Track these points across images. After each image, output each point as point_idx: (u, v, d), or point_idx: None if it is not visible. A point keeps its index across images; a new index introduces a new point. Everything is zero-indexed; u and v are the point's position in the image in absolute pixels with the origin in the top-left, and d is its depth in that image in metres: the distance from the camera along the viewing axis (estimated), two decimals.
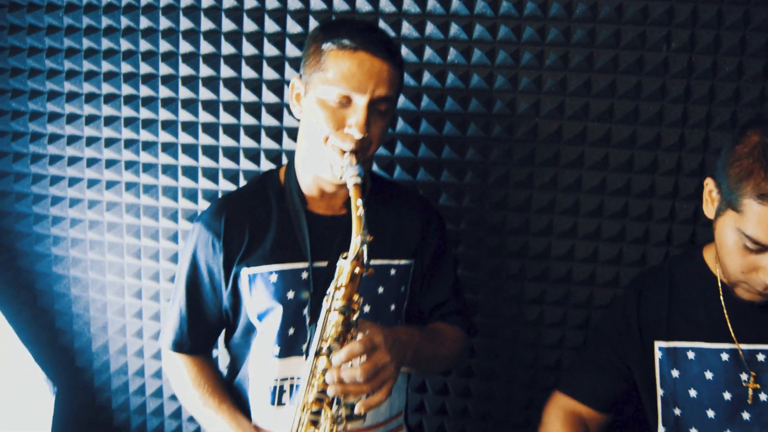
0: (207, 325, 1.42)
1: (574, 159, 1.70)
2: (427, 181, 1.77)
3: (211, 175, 1.83)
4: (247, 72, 1.78)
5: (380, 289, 1.39)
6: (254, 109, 1.79)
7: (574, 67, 1.66)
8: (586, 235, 1.73)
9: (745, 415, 1.25)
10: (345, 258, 1.17)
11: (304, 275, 1.34)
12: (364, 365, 1.11)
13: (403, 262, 1.43)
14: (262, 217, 1.37)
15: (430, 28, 1.70)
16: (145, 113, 1.83)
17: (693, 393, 1.30)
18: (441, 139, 1.74)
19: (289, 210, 1.38)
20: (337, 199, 1.41)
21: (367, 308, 1.38)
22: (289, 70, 1.76)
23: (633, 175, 1.69)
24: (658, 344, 1.34)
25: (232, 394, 1.43)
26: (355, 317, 1.16)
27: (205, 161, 1.83)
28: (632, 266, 1.73)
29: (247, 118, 1.79)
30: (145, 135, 1.84)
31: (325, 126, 1.25)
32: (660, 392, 1.34)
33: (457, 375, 1.85)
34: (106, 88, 1.84)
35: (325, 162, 1.29)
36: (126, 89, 1.83)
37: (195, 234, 1.38)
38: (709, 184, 1.26)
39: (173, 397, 1.94)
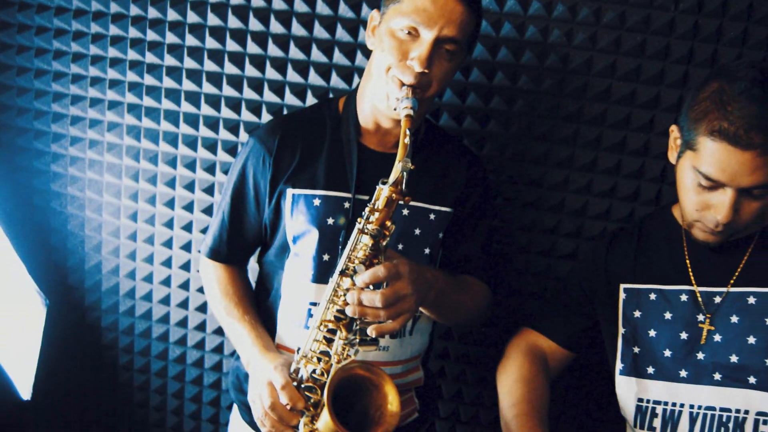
0: (246, 236, 1.46)
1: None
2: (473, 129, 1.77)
3: (213, 102, 1.84)
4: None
5: (417, 231, 1.41)
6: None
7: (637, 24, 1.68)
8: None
9: (699, 355, 1.31)
10: (384, 183, 1.20)
11: (346, 205, 1.36)
12: (384, 291, 1.15)
13: (443, 209, 1.44)
14: (315, 142, 1.39)
15: None
16: (151, 35, 1.84)
17: (652, 333, 1.36)
18: (491, 89, 1.75)
19: (342, 139, 1.40)
20: (390, 137, 1.42)
21: (400, 246, 1.39)
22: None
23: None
24: (623, 286, 1.40)
25: (260, 311, 1.46)
26: (384, 243, 1.19)
27: (208, 87, 1.84)
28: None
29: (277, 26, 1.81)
30: (150, 57, 1.85)
31: (389, 55, 1.27)
32: (621, 330, 1.40)
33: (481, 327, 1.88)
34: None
35: (383, 92, 1.30)
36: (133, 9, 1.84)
37: (248, 147, 1.42)
38: (674, 131, 1.30)
39: (161, 320, 1.99)
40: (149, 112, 1.88)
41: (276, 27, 1.78)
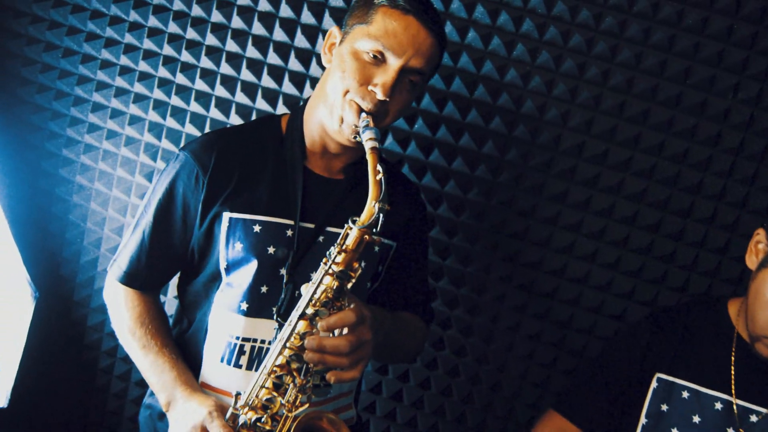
0: (167, 261, 1.32)
1: (614, 185, 1.67)
2: (440, 164, 1.73)
3: (245, 113, 1.77)
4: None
5: (361, 264, 1.31)
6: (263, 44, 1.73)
7: (613, 85, 1.63)
8: (605, 264, 1.70)
9: None
10: (354, 221, 1.11)
11: (289, 233, 1.26)
12: (349, 337, 1.08)
13: (386, 241, 1.38)
14: (255, 162, 1.28)
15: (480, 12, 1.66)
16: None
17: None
18: (463, 126, 1.70)
19: (285, 161, 1.30)
20: (337, 162, 1.35)
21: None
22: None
23: (666, 215, 1.67)
24: (658, 375, 1.33)
25: (180, 345, 1.33)
26: (350, 285, 1.12)
27: (240, 96, 1.76)
28: (642, 305, 1.70)
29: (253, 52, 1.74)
30: (186, 56, 1.77)
31: (349, 77, 1.19)
32: (643, 421, 1.33)
33: (422, 365, 1.82)
34: None
35: (335, 115, 1.22)
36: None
37: (179, 162, 1.27)
38: (759, 234, 1.24)
39: None
40: (175, 112, 1.80)
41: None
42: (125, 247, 1.31)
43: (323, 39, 1.31)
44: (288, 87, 1.75)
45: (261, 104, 1.76)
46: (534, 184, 1.70)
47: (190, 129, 1.79)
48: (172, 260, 1.32)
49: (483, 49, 1.67)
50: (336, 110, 1.22)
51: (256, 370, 1.18)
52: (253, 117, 1.77)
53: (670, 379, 1.32)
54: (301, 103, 1.37)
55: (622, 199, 1.67)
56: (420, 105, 1.71)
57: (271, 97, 1.75)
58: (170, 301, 1.86)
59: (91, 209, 1.87)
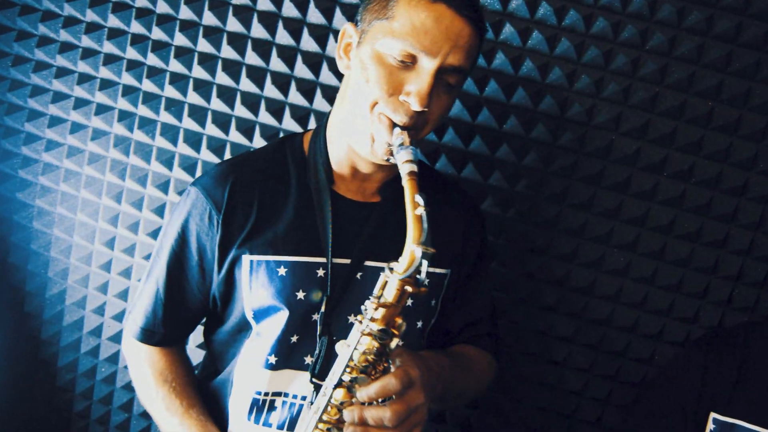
0: (187, 312, 1.16)
1: (647, 190, 1.46)
2: (474, 179, 1.51)
3: (223, 122, 1.55)
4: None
5: (408, 301, 1.13)
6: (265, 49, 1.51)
7: (670, 83, 1.42)
8: (639, 278, 1.50)
9: None
10: (392, 269, 0.92)
11: (320, 273, 1.08)
12: (395, 406, 0.88)
13: (438, 270, 1.18)
14: (276, 192, 1.10)
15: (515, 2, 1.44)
16: (157, 33, 1.54)
17: None
18: (500, 134, 1.49)
19: (310, 187, 1.11)
20: (371, 183, 1.15)
21: None
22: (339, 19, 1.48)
23: (707, 220, 1.46)
24: (714, 415, 1.16)
25: (206, 397, 1.17)
26: (393, 344, 0.92)
27: (217, 104, 1.54)
28: (682, 322, 1.51)
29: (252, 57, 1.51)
30: (153, 59, 1.55)
31: (376, 87, 0.99)
32: None
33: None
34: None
35: (365, 132, 1.03)
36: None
37: (190, 199, 1.10)
38: None
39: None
40: (144, 124, 1.58)
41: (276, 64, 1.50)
42: (139, 299, 1.16)
43: (335, 40, 1.09)
44: (295, 96, 1.52)
45: (264, 117, 1.54)
46: (585, 199, 1.50)
47: (161, 142, 1.57)
48: (192, 311, 1.15)
49: (521, 46, 1.45)
50: (364, 127, 1.02)
51: (289, 429, 1.03)
52: (256, 133, 1.54)
53: (729, 420, 1.15)
54: (325, 117, 1.17)
55: (656, 204, 1.47)
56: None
57: (275, 108, 1.54)
58: None
59: (54, 236, 1.65)
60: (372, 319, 0.93)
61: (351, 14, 1.47)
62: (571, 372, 1.56)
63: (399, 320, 0.94)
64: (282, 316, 1.06)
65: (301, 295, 1.07)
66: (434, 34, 0.97)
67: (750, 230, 1.46)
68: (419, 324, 1.18)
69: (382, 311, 0.93)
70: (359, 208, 1.13)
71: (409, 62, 0.99)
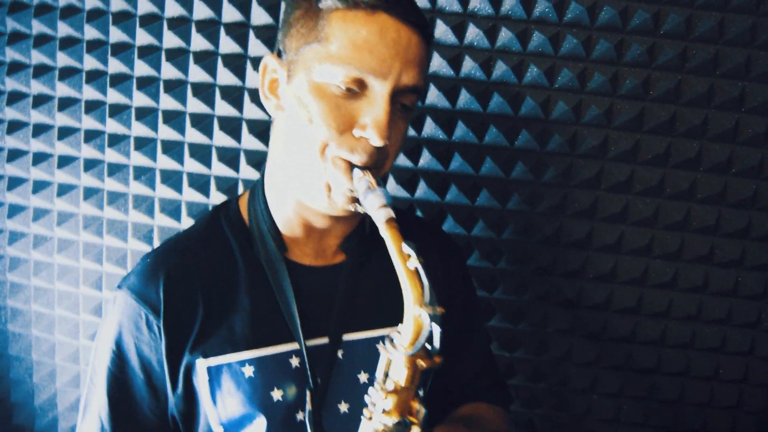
0: None
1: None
2: (460, 203, 1.35)
3: (200, 185, 1.38)
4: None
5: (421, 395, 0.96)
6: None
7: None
8: (659, 284, 1.34)
9: None
10: (394, 344, 0.77)
11: (294, 362, 0.90)
12: None
13: None
14: (221, 277, 0.92)
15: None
16: (112, 96, 1.37)
17: None
18: (480, 149, 1.32)
19: (261, 262, 0.93)
20: (330, 240, 0.98)
21: None
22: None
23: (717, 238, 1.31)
24: None
25: None
26: None
27: (191, 164, 1.37)
28: (741, 328, 1.34)
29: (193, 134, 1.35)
30: (113, 125, 1.38)
31: (324, 126, 0.83)
32: None
33: None
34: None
35: (318, 183, 0.86)
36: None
37: (117, 307, 0.91)
38: None
39: None
40: (114, 199, 1.41)
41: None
42: None
43: (256, 72, 0.93)
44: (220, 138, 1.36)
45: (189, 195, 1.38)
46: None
47: (136, 216, 1.40)
48: None
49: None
50: (316, 176, 0.85)
51: None
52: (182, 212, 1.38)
53: None
54: (260, 177, 0.99)
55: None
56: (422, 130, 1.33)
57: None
58: None
59: (34, 337, 1.48)
60: (384, 412, 0.77)
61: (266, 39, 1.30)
62: (601, 398, 1.40)
63: (416, 404, 0.79)
64: (260, 425, 0.88)
65: (277, 395, 0.89)
66: (380, 50, 0.81)
67: None
68: (420, 393, 0.98)
69: (393, 398, 0.77)
70: (323, 273, 0.96)
71: (357, 89, 0.83)
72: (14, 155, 1.41)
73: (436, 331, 0.72)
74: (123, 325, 0.90)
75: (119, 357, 0.90)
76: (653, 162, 1.30)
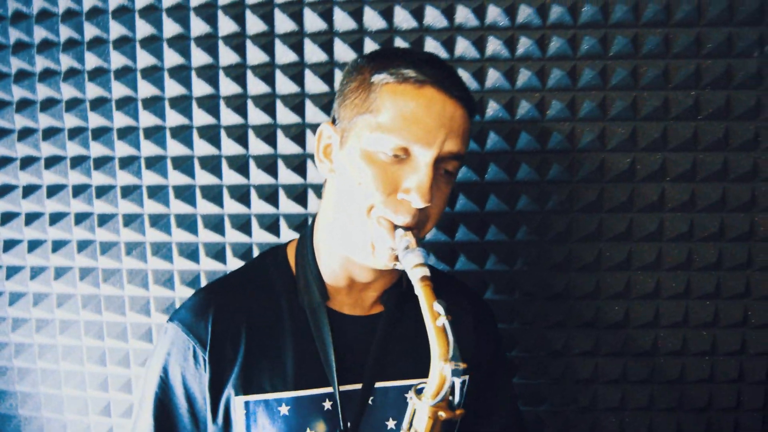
0: None
1: (653, 231, 1.35)
2: (468, 240, 1.39)
3: (190, 252, 1.43)
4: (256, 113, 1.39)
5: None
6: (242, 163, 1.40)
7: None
8: (673, 296, 1.37)
9: None
10: (420, 395, 0.82)
11: (327, 404, 0.96)
12: None
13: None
14: (265, 319, 0.99)
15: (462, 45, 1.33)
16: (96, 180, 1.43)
17: None
18: (484, 186, 1.37)
19: (303, 308, 1.00)
20: (370, 293, 1.05)
21: None
22: (311, 110, 1.37)
23: (724, 244, 1.34)
24: None
25: None
26: None
27: (180, 235, 1.42)
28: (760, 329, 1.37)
29: (231, 176, 1.40)
30: (101, 207, 1.43)
31: (372, 189, 0.90)
32: None
33: None
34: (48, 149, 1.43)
35: (364, 241, 0.93)
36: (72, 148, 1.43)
37: (168, 338, 0.99)
38: None
39: None
40: (109, 275, 1.45)
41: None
42: None
43: (315, 138, 1.00)
44: (288, 205, 1.41)
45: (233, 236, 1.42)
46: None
47: (131, 290, 1.44)
48: None
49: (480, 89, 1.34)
50: (363, 234, 0.92)
51: None
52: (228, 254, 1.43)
53: None
54: (309, 226, 1.07)
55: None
56: None
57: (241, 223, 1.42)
58: None
59: (45, 419, 1.51)
60: None
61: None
62: (658, 414, 1.41)
63: None
64: None
65: None
66: (426, 122, 0.88)
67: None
68: None
69: None
70: (361, 323, 1.03)
71: (403, 155, 0.90)
72: (10, 245, 1.46)
73: (458, 384, 0.79)
74: (171, 354, 0.97)
75: (165, 384, 0.98)
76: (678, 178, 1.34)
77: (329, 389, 0.96)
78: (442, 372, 0.79)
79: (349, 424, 0.96)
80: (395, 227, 0.91)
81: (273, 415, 0.95)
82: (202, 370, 0.96)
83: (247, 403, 0.95)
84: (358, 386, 0.98)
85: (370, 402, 0.99)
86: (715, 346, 1.37)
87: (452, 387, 0.80)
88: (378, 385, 1.00)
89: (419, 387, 0.84)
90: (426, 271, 0.85)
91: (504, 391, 1.17)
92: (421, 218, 0.92)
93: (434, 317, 0.81)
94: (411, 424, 0.84)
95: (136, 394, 1.47)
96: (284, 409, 0.96)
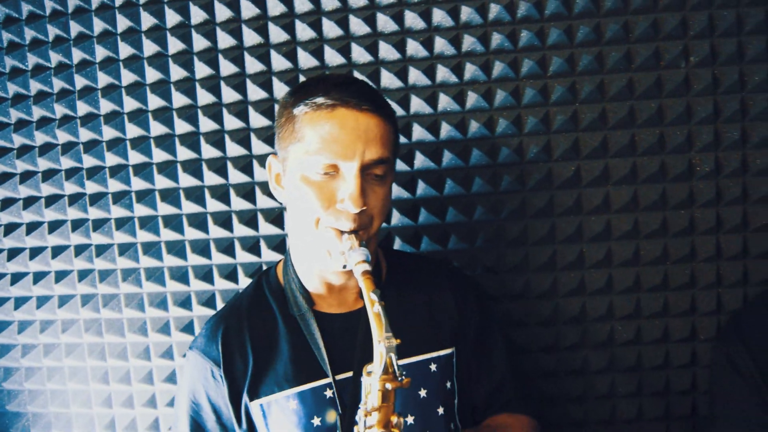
0: None
1: (600, 204, 1.47)
2: (432, 250, 1.51)
3: (180, 274, 1.56)
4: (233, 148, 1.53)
5: (422, 393, 1.14)
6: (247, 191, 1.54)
7: (584, 98, 1.45)
8: (624, 290, 1.48)
9: None
10: (370, 373, 0.94)
11: (329, 393, 1.10)
12: None
13: (443, 352, 1.18)
14: (265, 331, 1.16)
15: (414, 74, 1.47)
16: (95, 212, 1.57)
17: None
18: (442, 200, 1.50)
19: (294, 316, 1.15)
20: (348, 292, 1.19)
21: (410, 419, 1.12)
22: (256, 143, 1.51)
23: (668, 239, 1.47)
24: None
25: None
26: None
27: (171, 260, 1.56)
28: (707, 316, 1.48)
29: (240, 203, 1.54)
30: (98, 238, 1.57)
31: (315, 205, 1.03)
32: None
33: None
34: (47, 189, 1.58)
35: (320, 249, 1.07)
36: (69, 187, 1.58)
37: (190, 365, 1.17)
38: None
39: None
40: (107, 301, 1.58)
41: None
42: None
43: (266, 171, 1.16)
44: (267, 228, 1.55)
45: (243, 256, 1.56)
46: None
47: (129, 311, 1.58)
48: None
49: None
50: (318, 245, 1.06)
51: None
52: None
53: None
54: (287, 248, 1.24)
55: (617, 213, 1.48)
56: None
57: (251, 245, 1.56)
58: None
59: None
60: (367, 427, 0.95)
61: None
62: (620, 400, 1.51)
63: (394, 418, 0.95)
64: None
65: (317, 421, 1.10)
66: (343, 139, 1.01)
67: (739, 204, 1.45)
68: (440, 411, 1.16)
69: (375, 416, 0.94)
70: (346, 319, 1.17)
71: (332, 172, 1.03)
72: (16, 278, 1.61)
73: (394, 358, 0.91)
74: (194, 377, 1.15)
75: (194, 402, 1.16)
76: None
77: (327, 380, 1.10)
78: (380, 350, 0.91)
79: (346, 409, 1.09)
80: (342, 233, 1.03)
81: (284, 411, 1.10)
82: (221, 385, 1.12)
83: (261, 405, 1.11)
84: (350, 374, 1.11)
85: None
86: (668, 333, 1.49)
87: (390, 361, 0.91)
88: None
89: (368, 369, 0.95)
90: (366, 267, 0.97)
91: (496, 351, 1.26)
92: (364, 220, 1.05)
93: (371, 304, 0.93)
94: (367, 398, 0.95)
95: (137, 407, 1.59)
96: (293, 404, 1.10)
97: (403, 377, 0.94)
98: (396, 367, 0.92)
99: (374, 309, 0.93)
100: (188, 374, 1.16)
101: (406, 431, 1.09)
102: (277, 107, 1.14)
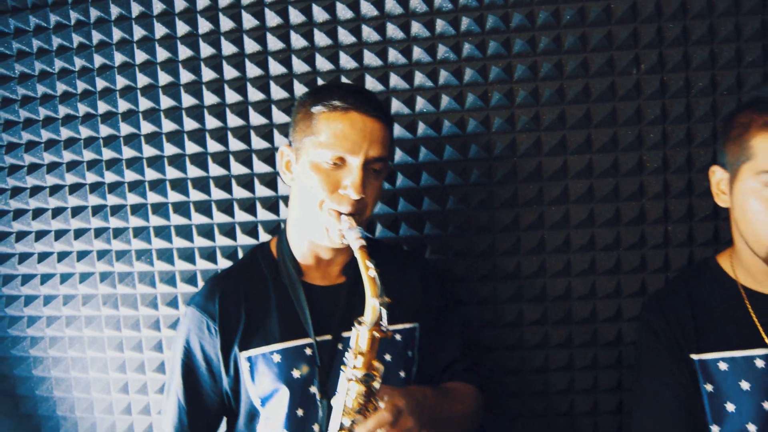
0: (208, 413, 1.35)
1: (558, 195, 1.64)
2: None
3: (187, 255, 1.76)
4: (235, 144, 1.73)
5: (387, 357, 1.34)
6: (247, 181, 1.73)
7: (545, 101, 1.62)
8: (582, 272, 1.66)
9: None
10: (361, 324, 1.13)
11: (308, 351, 1.28)
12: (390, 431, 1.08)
13: (408, 325, 1.38)
14: (258, 294, 1.33)
15: (394, 79, 1.66)
16: (113, 199, 1.77)
17: (730, 407, 1.21)
18: (419, 191, 1.68)
19: (285, 284, 1.34)
20: (334, 267, 1.38)
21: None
22: (278, 138, 1.71)
23: (621, 228, 1.64)
24: (692, 356, 1.26)
25: None
26: (376, 384, 1.12)
27: (180, 241, 1.76)
28: (632, 297, 1.65)
29: (240, 192, 1.73)
30: (115, 222, 1.78)
31: (320, 189, 1.23)
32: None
33: None
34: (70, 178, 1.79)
35: (319, 226, 1.26)
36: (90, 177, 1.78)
37: (188, 318, 1.32)
38: (714, 172, 1.26)
39: None
40: (123, 278, 1.79)
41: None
42: (165, 414, 1.35)
43: (278, 157, 1.36)
44: (264, 214, 1.74)
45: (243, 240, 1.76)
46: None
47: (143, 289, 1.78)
48: (211, 411, 1.34)
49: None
50: (317, 222, 1.26)
51: None
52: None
53: (702, 357, 1.25)
54: (282, 226, 1.42)
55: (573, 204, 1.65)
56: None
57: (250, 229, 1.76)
58: None
59: (75, 398, 1.84)
60: (354, 367, 1.13)
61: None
62: (552, 373, 1.70)
63: (376, 363, 1.14)
64: (284, 395, 1.26)
65: (296, 373, 1.27)
66: (353, 137, 1.22)
67: (661, 199, 1.62)
68: (402, 374, 1.36)
69: (361, 359, 1.13)
70: (329, 291, 1.36)
71: (339, 163, 1.23)
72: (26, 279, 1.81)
73: (384, 313, 1.11)
74: (191, 330, 1.31)
75: (188, 351, 1.31)
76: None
77: (309, 340, 1.29)
78: (374, 305, 1.10)
79: (323, 365, 1.28)
80: (340, 215, 1.23)
81: (269, 363, 1.27)
82: (215, 337, 1.29)
83: (249, 357, 1.28)
84: (329, 337, 1.30)
85: (339, 347, 1.30)
86: (620, 312, 1.66)
87: (381, 315, 1.10)
88: (344, 334, 1.31)
89: (359, 319, 1.13)
90: (362, 242, 1.17)
91: (454, 327, 1.47)
92: (360, 206, 1.24)
93: (367, 269, 1.13)
94: (357, 344, 1.14)
95: (148, 373, 1.79)
96: (276, 358, 1.28)
97: (388, 330, 1.13)
98: (385, 321, 1.11)
99: (369, 273, 1.12)
100: (185, 326, 1.32)
101: (383, 377, 1.23)
102: (294, 105, 1.33)
